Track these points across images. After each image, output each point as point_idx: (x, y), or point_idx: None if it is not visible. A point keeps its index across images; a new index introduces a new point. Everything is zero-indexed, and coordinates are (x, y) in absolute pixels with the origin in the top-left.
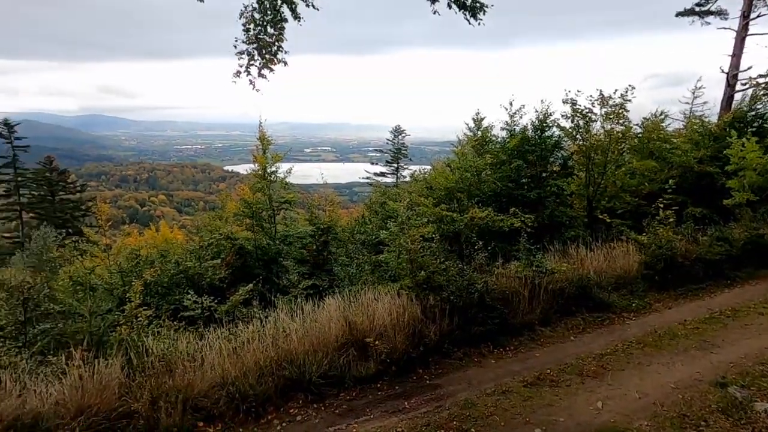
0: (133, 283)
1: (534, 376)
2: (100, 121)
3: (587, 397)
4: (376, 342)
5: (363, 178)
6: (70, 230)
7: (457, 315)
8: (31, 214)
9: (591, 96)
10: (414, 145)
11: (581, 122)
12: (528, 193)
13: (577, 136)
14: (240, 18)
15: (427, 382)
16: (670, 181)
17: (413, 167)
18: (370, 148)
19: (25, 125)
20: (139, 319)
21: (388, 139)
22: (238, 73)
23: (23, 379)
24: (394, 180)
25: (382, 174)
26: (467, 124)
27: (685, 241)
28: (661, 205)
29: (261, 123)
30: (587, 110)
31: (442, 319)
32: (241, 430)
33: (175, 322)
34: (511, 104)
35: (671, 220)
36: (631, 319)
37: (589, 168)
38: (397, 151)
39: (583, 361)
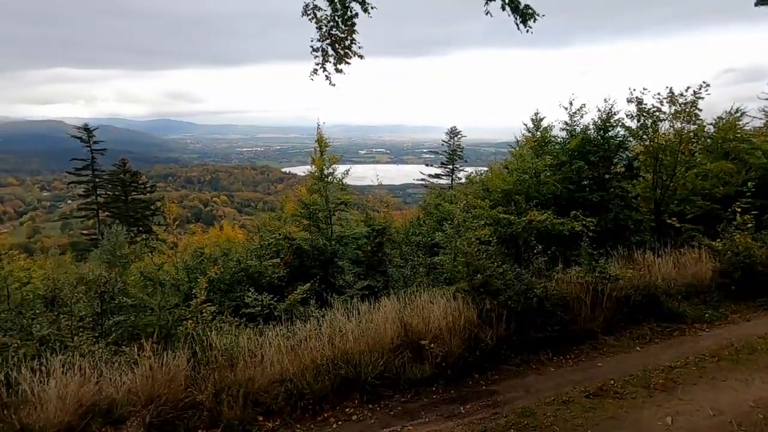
0: (198, 280)
1: (596, 386)
2: (168, 126)
3: (655, 412)
4: (432, 345)
5: (417, 179)
6: (141, 228)
7: (514, 320)
8: (106, 213)
9: (659, 94)
10: (469, 146)
11: (648, 122)
12: (590, 196)
13: (644, 136)
14: (303, 15)
15: (484, 387)
16: (749, 183)
17: (468, 169)
18: (424, 150)
19: (101, 130)
20: (203, 315)
21: (444, 141)
22: (315, 71)
23: (100, 367)
24: (449, 182)
25: (437, 176)
26: (525, 125)
27: (766, 249)
28: (738, 210)
29: (319, 125)
30: (655, 109)
31: (499, 324)
32: (298, 426)
33: (236, 319)
34: (571, 104)
35: (750, 225)
36: (704, 331)
37: (656, 169)
38: (452, 153)
39: (651, 373)
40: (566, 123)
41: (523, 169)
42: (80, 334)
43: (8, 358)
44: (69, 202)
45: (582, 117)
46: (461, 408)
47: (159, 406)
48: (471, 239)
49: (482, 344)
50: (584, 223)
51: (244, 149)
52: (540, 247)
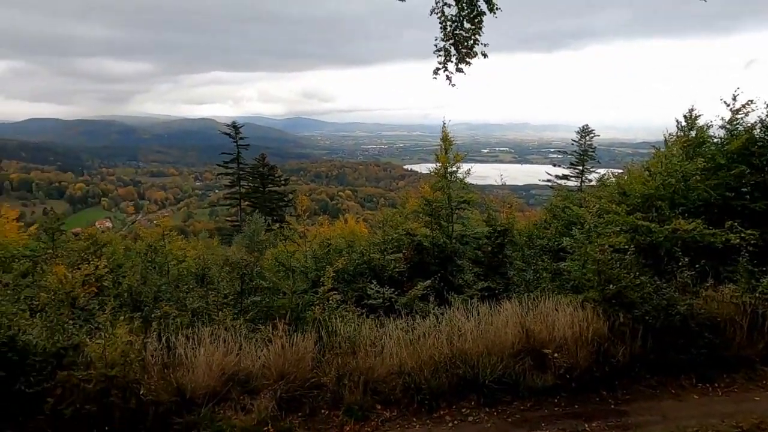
0: (326, 269)
1: (752, 423)
2: (301, 123)
3: None
4: (555, 354)
5: (543, 180)
6: (275, 218)
7: (651, 338)
8: (247, 203)
9: None
10: (602, 146)
11: None
12: (752, 204)
13: None
14: (431, 14)
15: (612, 406)
16: None
17: (601, 170)
18: (551, 149)
19: (246, 127)
20: (329, 302)
21: (574, 140)
22: (437, 71)
23: (240, 341)
24: (577, 184)
25: (565, 177)
26: (678, 122)
27: None
28: None
29: (444, 123)
30: None
31: (633, 341)
32: (414, 419)
33: (358, 309)
34: (734, 98)
35: None
36: None
37: None
38: (583, 153)
39: None
40: (726, 121)
41: (668, 172)
42: (224, 309)
43: (168, 325)
44: (217, 191)
45: (747, 115)
46: (586, 425)
47: (288, 382)
48: (604, 246)
49: (613, 360)
50: (743, 235)
51: (369, 146)
52: (686, 259)
